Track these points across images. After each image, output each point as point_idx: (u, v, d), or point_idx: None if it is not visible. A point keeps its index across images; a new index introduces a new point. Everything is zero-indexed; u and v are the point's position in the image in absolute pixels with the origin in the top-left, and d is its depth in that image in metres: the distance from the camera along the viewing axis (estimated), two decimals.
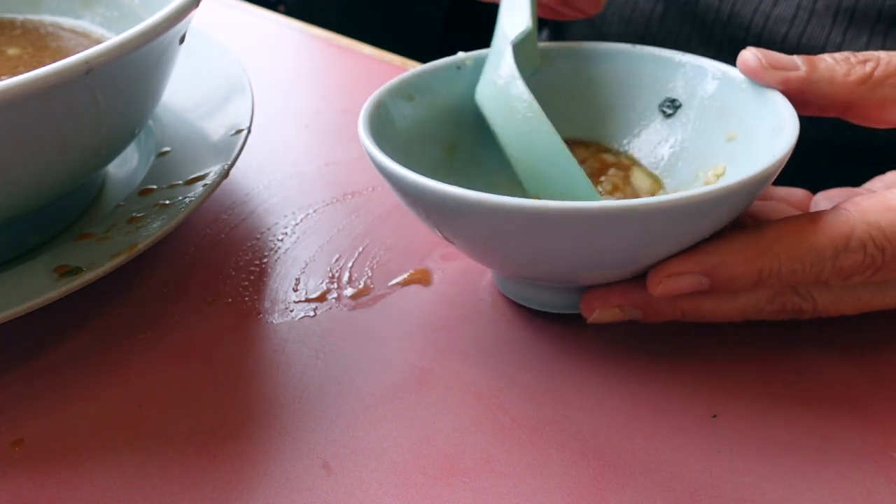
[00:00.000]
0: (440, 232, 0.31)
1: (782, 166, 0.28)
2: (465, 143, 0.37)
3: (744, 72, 0.33)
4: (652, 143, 0.37)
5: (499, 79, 0.33)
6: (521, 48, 0.34)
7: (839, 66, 0.31)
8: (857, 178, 0.35)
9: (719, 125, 0.34)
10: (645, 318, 0.31)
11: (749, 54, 0.32)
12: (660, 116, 0.36)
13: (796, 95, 0.31)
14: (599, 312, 0.31)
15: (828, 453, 0.29)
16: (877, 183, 0.33)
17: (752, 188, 0.28)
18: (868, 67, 0.31)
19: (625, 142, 0.37)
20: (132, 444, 0.29)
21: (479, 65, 0.36)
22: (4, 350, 0.33)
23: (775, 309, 0.30)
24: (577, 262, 0.29)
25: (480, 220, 0.28)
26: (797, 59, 0.32)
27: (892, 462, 0.28)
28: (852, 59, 0.31)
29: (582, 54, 0.37)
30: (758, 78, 0.32)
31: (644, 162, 0.37)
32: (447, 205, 0.28)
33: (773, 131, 0.31)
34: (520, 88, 0.32)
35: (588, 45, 0.37)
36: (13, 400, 0.31)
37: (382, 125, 0.33)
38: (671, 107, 0.36)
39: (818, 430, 0.29)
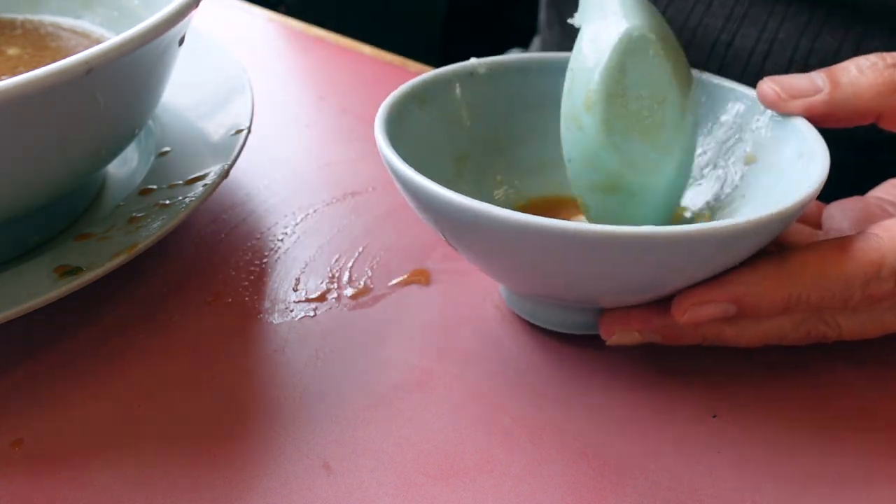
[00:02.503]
0: (456, 245, 0.30)
1: (816, 196, 0.28)
2: (475, 153, 0.36)
3: (764, 104, 0.32)
4: None
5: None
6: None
7: (865, 76, 0.29)
8: (859, 175, 0.35)
9: (739, 148, 0.34)
10: (664, 342, 0.31)
11: (766, 87, 0.31)
12: None
13: (822, 118, 0.30)
14: (619, 336, 0.30)
15: (828, 453, 0.29)
16: (890, 189, 0.33)
17: (787, 218, 0.27)
18: None
19: None
20: (132, 444, 0.29)
21: (493, 72, 0.35)
22: (4, 350, 0.33)
23: (800, 336, 0.30)
24: (602, 286, 0.29)
25: (504, 236, 0.27)
26: (818, 80, 0.30)
27: (892, 461, 0.28)
28: (880, 65, 0.29)
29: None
30: (779, 109, 0.31)
31: None
32: (468, 219, 0.27)
33: (800, 157, 0.30)
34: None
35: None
36: (13, 400, 0.31)
37: (397, 131, 0.32)
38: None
39: (818, 429, 0.29)
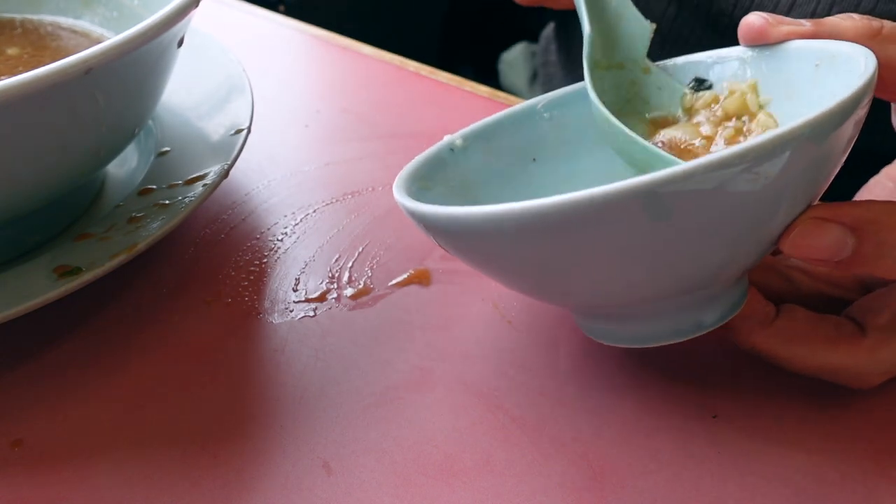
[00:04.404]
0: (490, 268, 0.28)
1: (875, 75, 0.26)
2: None
3: (749, 35, 0.31)
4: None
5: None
6: (596, 55, 0.33)
7: (846, 21, 0.29)
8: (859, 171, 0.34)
9: (752, 97, 0.32)
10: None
11: (752, 16, 0.30)
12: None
13: None
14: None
15: (828, 453, 0.29)
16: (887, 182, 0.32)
17: (863, 93, 0.24)
18: (875, 24, 0.28)
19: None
20: (132, 444, 0.29)
21: (474, 144, 0.35)
22: (4, 350, 0.33)
23: None
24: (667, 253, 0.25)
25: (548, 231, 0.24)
26: (801, 20, 0.30)
27: (892, 461, 0.28)
28: (856, 17, 0.29)
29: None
30: (766, 36, 0.30)
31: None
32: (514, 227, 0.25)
33: (817, 67, 0.29)
34: (595, 107, 0.32)
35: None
36: (13, 400, 0.31)
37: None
38: (699, 87, 0.34)
39: (818, 429, 0.29)
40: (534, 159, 0.36)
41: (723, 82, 0.33)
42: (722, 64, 0.33)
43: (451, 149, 0.35)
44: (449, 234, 0.27)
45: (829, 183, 0.26)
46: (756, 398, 0.31)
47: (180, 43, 0.36)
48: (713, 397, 0.31)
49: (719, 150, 0.27)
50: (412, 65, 0.55)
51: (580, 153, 0.36)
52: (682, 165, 0.22)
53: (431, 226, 0.27)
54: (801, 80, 0.30)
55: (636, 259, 0.25)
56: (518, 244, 0.26)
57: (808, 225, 0.25)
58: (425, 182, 0.33)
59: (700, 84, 0.34)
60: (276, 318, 0.35)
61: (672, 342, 0.29)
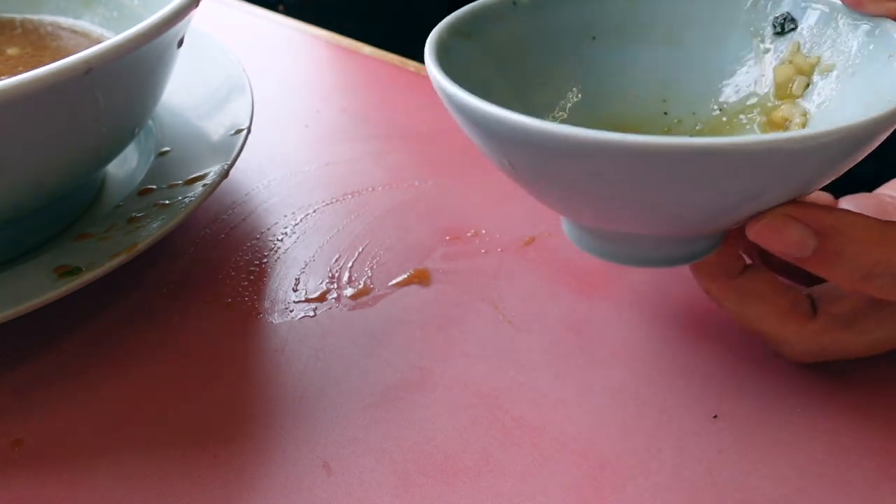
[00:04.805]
0: (530, 178, 0.27)
1: None
2: (524, 88, 0.33)
3: (846, 3, 0.30)
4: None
5: None
6: None
7: None
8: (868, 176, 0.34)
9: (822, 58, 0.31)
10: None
11: None
12: (756, 44, 0.33)
13: None
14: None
15: (828, 453, 0.29)
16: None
17: None
18: None
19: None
20: (132, 444, 0.29)
21: (538, 4, 0.33)
22: (4, 350, 0.33)
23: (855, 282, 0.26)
24: (693, 205, 0.25)
25: (599, 159, 0.24)
26: None
27: (892, 461, 0.28)
28: None
29: None
30: (861, 5, 0.29)
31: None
32: (562, 149, 0.24)
33: (890, 58, 0.28)
34: None
35: None
36: (13, 400, 0.31)
37: (447, 66, 0.29)
38: (783, 26, 0.32)
39: (818, 429, 0.29)
40: (593, 38, 0.34)
41: (796, 36, 0.32)
42: (813, 8, 0.32)
43: (513, 2, 0.33)
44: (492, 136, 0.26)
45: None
46: (756, 398, 0.31)
47: (180, 43, 0.36)
48: (713, 397, 0.31)
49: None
50: (412, 65, 0.55)
51: (644, 43, 0.34)
52: (734, 139, 0.23)
53: (471, 118, 0.26)
54: (872, 63, 0.29)
55: (656, 201, 0.25)
56: (561, 164, 0.25)
57: (777, 219, 0.25)
58: (468, 31, 0.31)
59: (788, 22, 0.32)
60: (276, 318, 0.35)
61: (648, 268, 0.31)
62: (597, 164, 0.24)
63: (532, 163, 0.26)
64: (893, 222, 0.26)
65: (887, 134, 0.25)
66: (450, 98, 0.27)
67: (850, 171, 0.28)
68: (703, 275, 0.30)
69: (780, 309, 0.29)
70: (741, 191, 0.24)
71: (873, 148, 0.25)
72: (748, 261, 0.30)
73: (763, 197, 0.25)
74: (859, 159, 0.25)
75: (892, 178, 0.34)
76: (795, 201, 0.26)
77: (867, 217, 0.26)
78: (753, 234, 0.25)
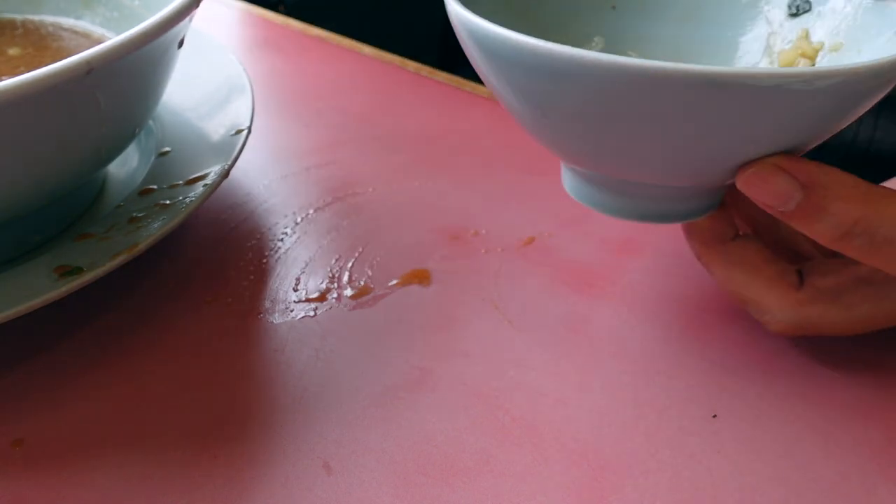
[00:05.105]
0: (547, 111, 0.27)
1: None
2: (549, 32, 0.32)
3: None
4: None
5: None
6: None
7: None
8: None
9: (827, 36, 0.32)
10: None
11: None
12: (766, 22, 0.33)
13: None
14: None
15: (828, 453, 0.29)
16: None
17: None
18: None
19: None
20: (132, 444, 0.29)
21: None
22: (4, 350, 0.33)
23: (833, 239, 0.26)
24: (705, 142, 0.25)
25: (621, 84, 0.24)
26: None
27: (892, 461, 0.28)
28: None
29: None
30: None
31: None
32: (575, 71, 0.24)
33: (894, 35, 0.28)
34: None
35: None
36: (13, 400, 0.31)
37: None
38: (798, 7, 0.33)
39: (818, 429, 0.29)
40: (613, 7, 0.34)
41: (812, 18, 0.32)
42: None
43: None
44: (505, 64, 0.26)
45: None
46: (756, 398, 0.31)
47: (181, 43, 0.36)
48: (713, 397, 0.31)
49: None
50: (412, 65, 0.55)
51: (661, 20, 0.34)
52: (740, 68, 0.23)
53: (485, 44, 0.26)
54: (877, 44, 0.29)
55: (664, 136, 0.25)
56: (567, 90, 0.25)
57: (766, 167, 0.25)
58: None
59: (803, 3, 0.32)
60: (276, 318, 0.35)
61: (643, 222, 0.31)
62: (613, 89, 0.24)
63: (556, 93, 0.25)
64: (880, 186, 0.26)
65: (892, 85, 0.25)
66: (479, 32, 0.26)
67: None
68: (696, 237, 0.31)
69: (767, 276, 0.30)
70: (743, 121, 0.24)
71: (876, 99, 0.25)
72: (741, 232, 0.31)
73: (761, 134, 0.25)
74: (860, 112, 0.25)
75: None
76: (786, 154, 0.26)
77: (855, 177, 0.26)
78: (742, 181, 0.26)
